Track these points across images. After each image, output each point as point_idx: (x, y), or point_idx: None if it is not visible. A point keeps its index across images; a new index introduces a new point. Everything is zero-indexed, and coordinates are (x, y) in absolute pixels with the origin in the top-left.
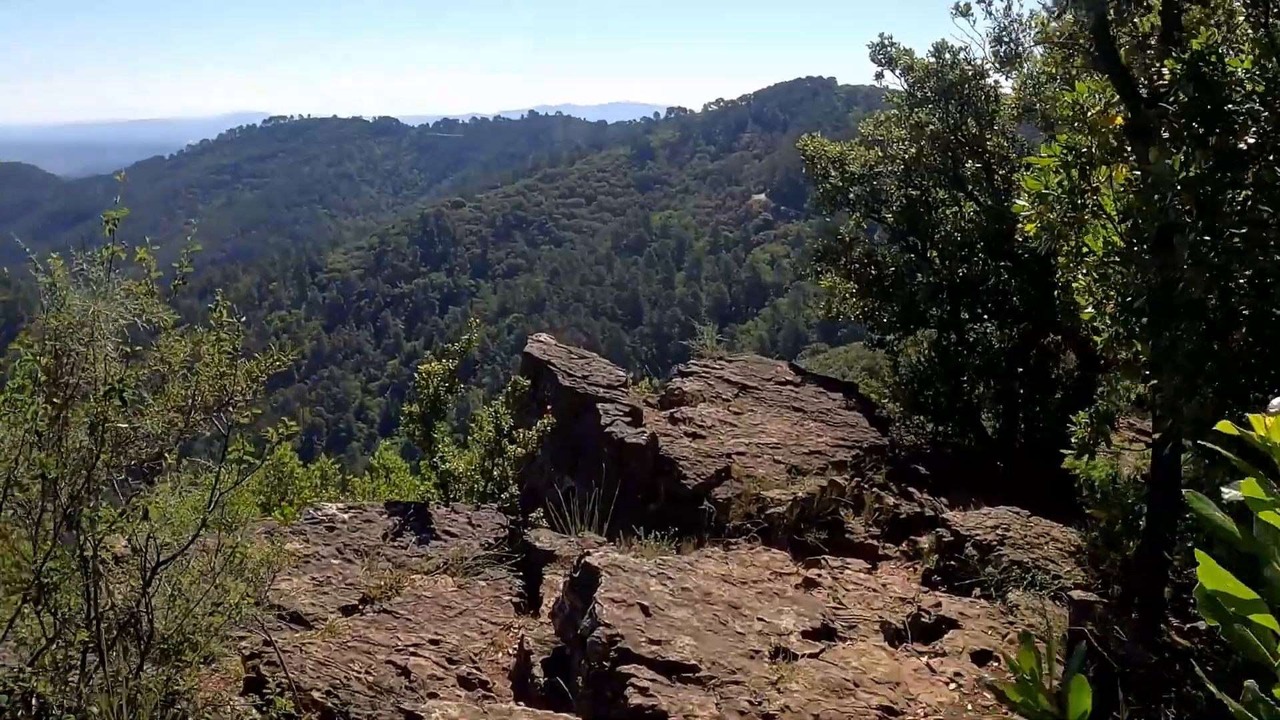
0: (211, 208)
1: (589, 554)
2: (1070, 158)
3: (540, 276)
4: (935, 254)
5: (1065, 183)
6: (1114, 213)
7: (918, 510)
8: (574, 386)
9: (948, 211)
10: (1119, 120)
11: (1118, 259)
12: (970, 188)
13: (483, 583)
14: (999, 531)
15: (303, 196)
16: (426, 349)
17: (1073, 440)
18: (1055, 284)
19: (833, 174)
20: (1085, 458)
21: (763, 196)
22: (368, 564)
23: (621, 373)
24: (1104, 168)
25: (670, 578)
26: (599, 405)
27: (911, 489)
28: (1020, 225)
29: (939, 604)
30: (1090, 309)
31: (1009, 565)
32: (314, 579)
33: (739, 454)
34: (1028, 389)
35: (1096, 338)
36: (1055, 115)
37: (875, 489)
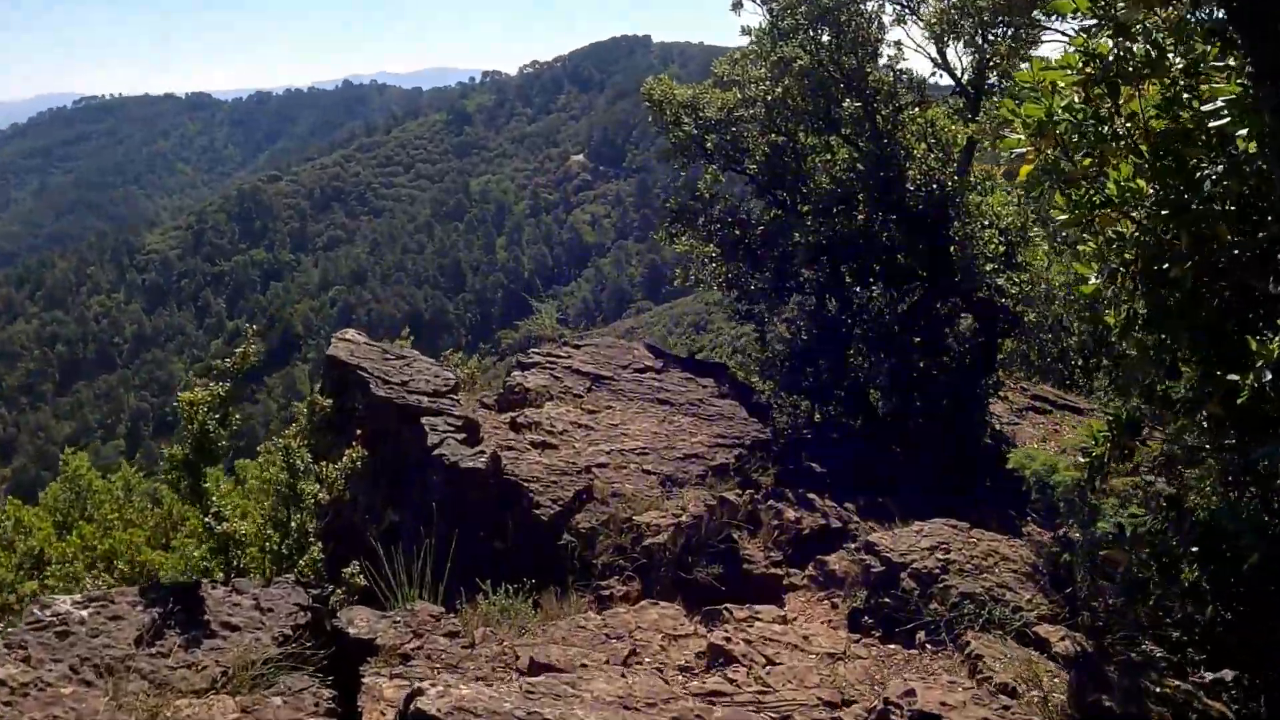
0: (25, 194)
1: (422, 690)
2: (1094, 68)
3: (361, 248)
4: (808, 209)
5: (1080, 108)
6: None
7: (822, 522)
8: (392, 397)
9: (819, 160)
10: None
11: (1159, 209)
12: (847, 131)
13: (278, 700)
14: (939, 555)
15: (118, 177)
16: (250, 324)
17: (1086, 456)
18: (951, 238)
19: (685, 121)
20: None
21: (581, 157)
22: (114, 688)
23: (450, 375)
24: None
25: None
26: (425, 420)
27: (811, 495)
28: (966, 174)
29: (910, 693)
30: (1095, 279)
31: (959, 600)
32: None
33: (600, 466)
34: (923, 360)
35: (1108, 318)
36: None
37: (771, 501)
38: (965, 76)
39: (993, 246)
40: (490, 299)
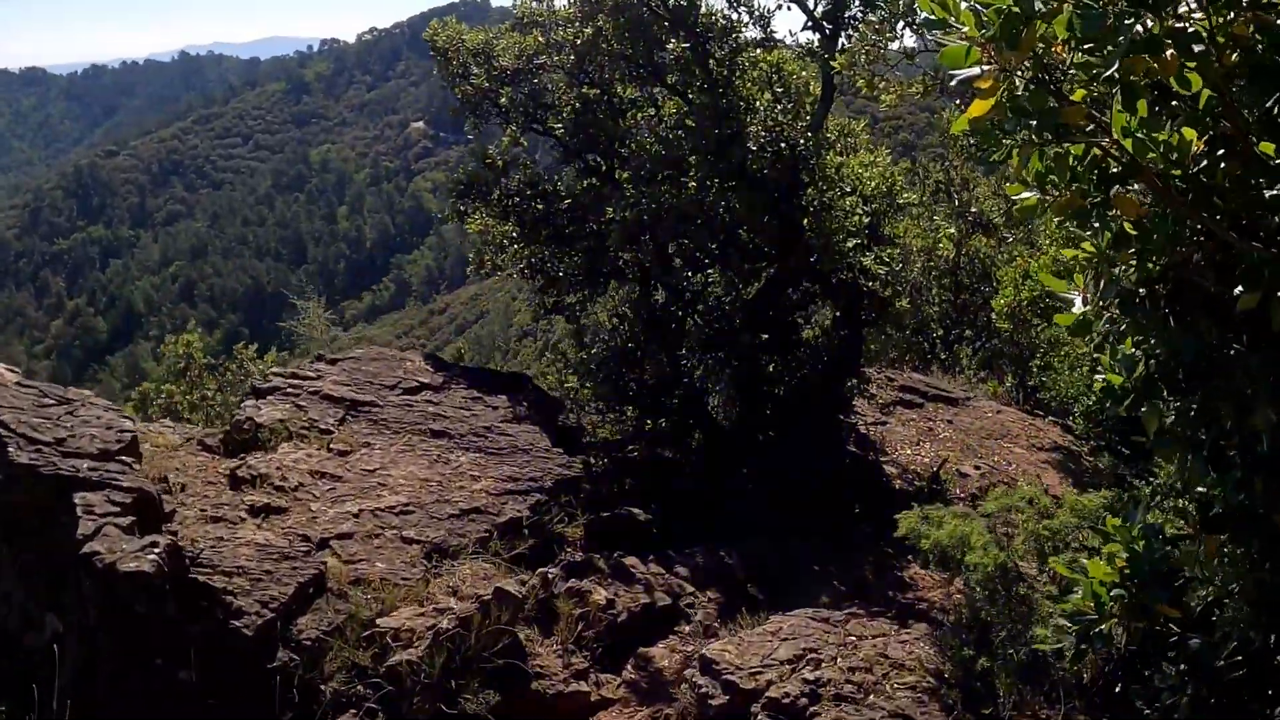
0: None
1: None
2: None
3: (201, 222)
4: (627, 177)
5: None
6: None
7: (644, 600)
8: (37, 463)
9: (641, 116)
10: None
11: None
12: (673, 79)
13: None
14: (805, 674)
15: None
16: (89, 305)
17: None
18: (805, 208)
19: (475, 72)
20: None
21: (421, 124)
22: None
23: (129, 424)
24: None
25: None
26: (79, 497)
27: (629, 561)
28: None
29: None
30: (1081, 305)
31: None
32: None
33: (343, 537)
34: (773, 359)
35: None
36: None
37: (573, 581)
38: (819, 6)
39: (855, 219)
40: (333, 270)
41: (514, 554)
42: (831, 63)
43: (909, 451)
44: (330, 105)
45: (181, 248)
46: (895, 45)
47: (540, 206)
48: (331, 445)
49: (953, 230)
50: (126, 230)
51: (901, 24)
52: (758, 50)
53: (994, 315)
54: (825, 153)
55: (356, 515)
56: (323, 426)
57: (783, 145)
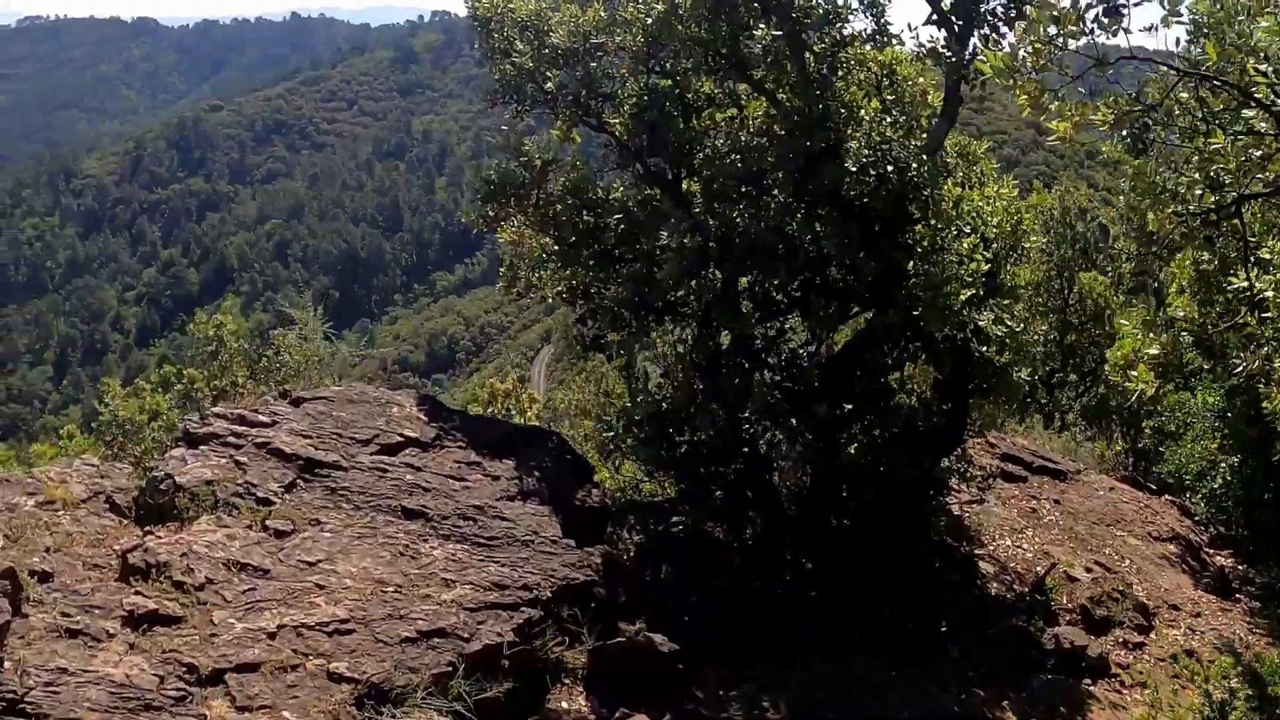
0: None
1: None
2: None
3: (300, 182)
4: (698, 189)
5: None
6: None
7: None
8: None
9: (721, 116)
10: None
11: None
12: (760, 74)
13: None
14: None
15: (58, 100)
16: (183, 257)
17: None
18: (912, 248)
19: (520, 48)
20: None
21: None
22: None
23: None
24: None
25: None
26: None
27: None
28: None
29: None
30: None
31: None
32: None
33: (245, 669)
34: (859, 431)
35: None
36: None
37: None
38: None
39: (974, 265)
40: (428, 240)
41: (482, 699)
42: (977, 64)
43: (1009, 542)
44: (437, 76)
45: (279, 207)
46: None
47: (587, 218)
48: (267, 522)
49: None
50: (225, 185)
51: (1098, 11)
52: (866, 46)
53: (1107, 367)
54: (943, 180)
55: (273, 635)
56: (262, 494)
57: (890, 167)
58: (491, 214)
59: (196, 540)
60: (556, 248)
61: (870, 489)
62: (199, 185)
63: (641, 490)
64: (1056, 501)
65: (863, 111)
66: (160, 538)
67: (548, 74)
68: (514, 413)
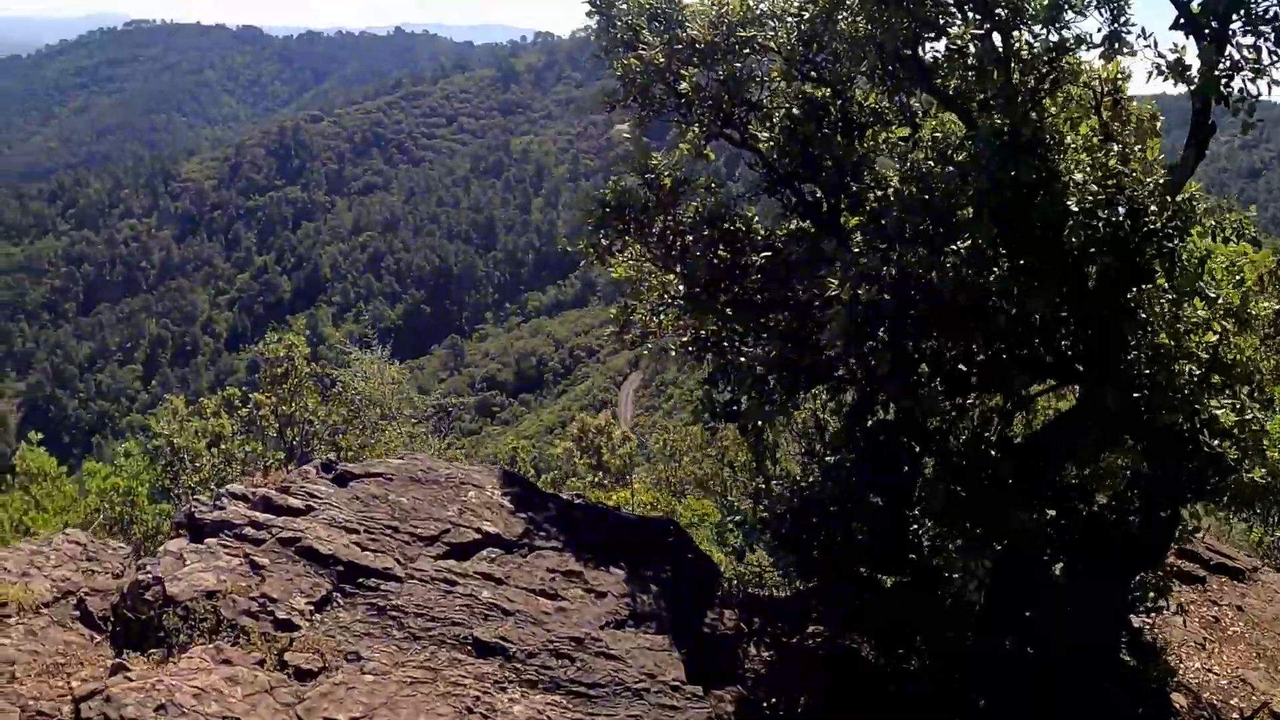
0: (68, 110)
1: None
2: None
3: (397, 196)
4: (858, 221)
5: None
6: None
7: None
8: None
9: (890, 136)
10: None
11: None
12: (949, 82)
13: None
14: None
15: (161, 104)
16: (277, 264)
17: None
18: (1134, 312)
19: (648, 39)
20: None
21: (625, 127)
22: None
23: None
24: None
25: None
26: None
27: None
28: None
29: None
30: None
31: None
32: None
33: None
34: (1054, 538)
35: None
36: None
37: None
38: None
39: (1205, 336)
40: (521, 260)
41: None
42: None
43: (1198, 664)
44: (536, 97)
45: (374, 219)
46: None
47: (724, 254)
48: (287, 657)
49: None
50: (322, 195)
51: None
52: (1085, 54)
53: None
54: (1190, 229)
55: None
56: (283, 614)
57: (1121, 210)
58: (605, 242)
59: (182, 684)
60: (684, 289)
61: (1050, 601)
62: (296, 194)
63: (765, 579)
64: (1238, 609)
65: (1069, 139)
66: (131, 680)
67: (681, 73)
68: (604, 451)
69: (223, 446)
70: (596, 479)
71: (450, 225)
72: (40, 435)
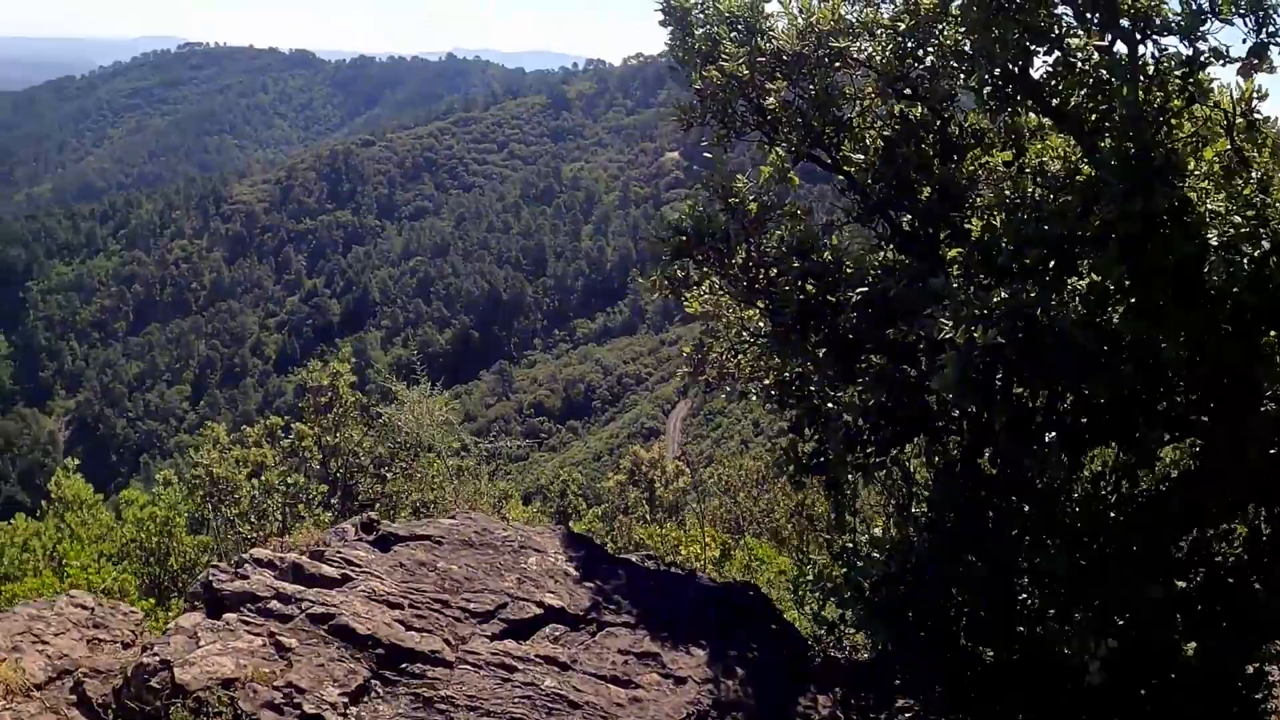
0: (121, 132)
1: None
2: None
3: (447, 221)
4: (961, 256)
5: None
6: None
7: None
8: None
9: (995, 161)
10: None
11: None
12: (1065, 103)
13: None
14: None
15: (213, 126)
16: (326, 287)
17: None
18: (1272, 354)
19: (729, 49)
20: None
21: (676, 155)
22: None
23: None
24: None
25: None
26: None
27: None
28: None
29: None
30: None
31: None
32: None
33: None
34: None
35: None
36: None
37: None
38: None
39: None
40: (570, 287)
41: None
42: None
43: None
44: (588, 124)
45: (424, 244)
46: None
47: (812, 289)
48: None
49: None
50: (372, 219)
51: None
52: (1213, 67)
53: None
54: None
55: None
56: (312, 707)
57: (1266, 244)
58: (681, 275)
59: None
60: (768, 326)
61: (1186, 689)
62: (346, 218)
63: (844, 638)
64: None
65: (1192, 164)
66: None
67: (767, 86)
68: (658, 484)
69: (264, 477)
70: (648, 513)
71: (500, 251)
72: (77, 461)
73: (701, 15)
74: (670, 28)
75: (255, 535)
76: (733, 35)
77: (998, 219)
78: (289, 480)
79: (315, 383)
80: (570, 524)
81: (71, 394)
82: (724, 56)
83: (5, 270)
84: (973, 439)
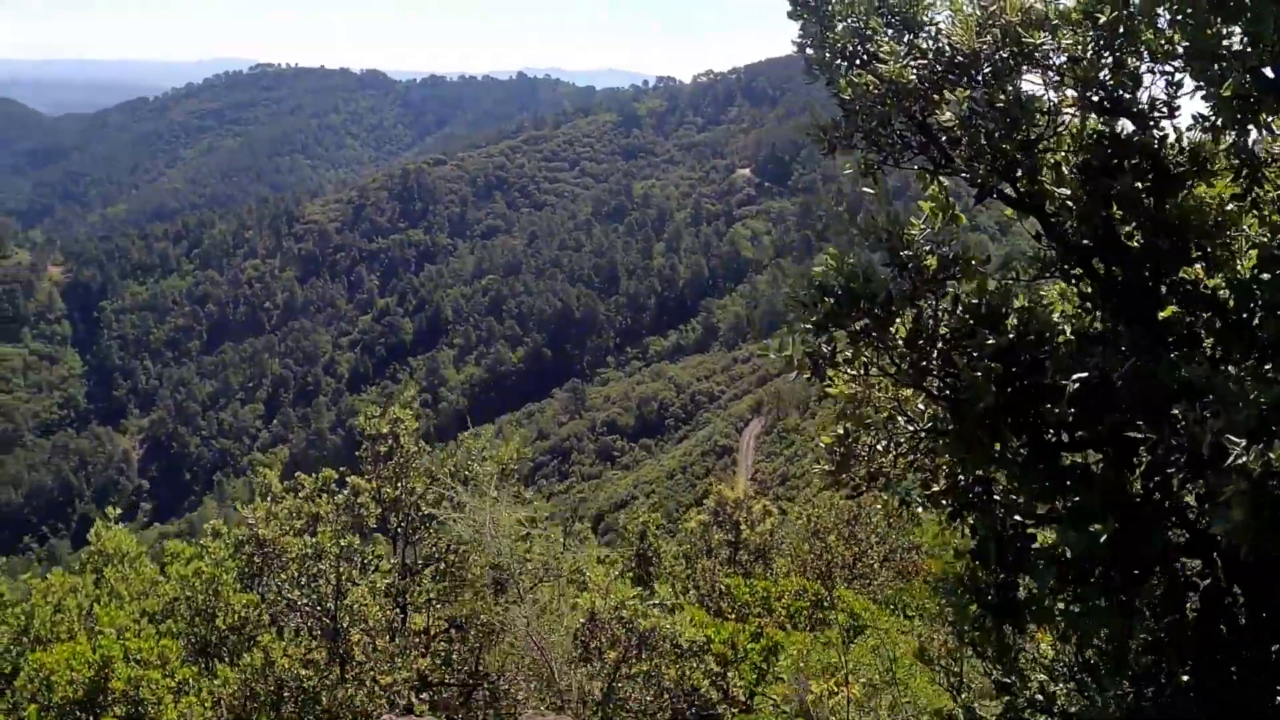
0: (193, 152)
1: None
2: None
3: (519, 239)
4: (1186, 325)
5: None
6: None
7: None
8: None
9: (1217, 194)
10: None
11: None
12: None
13: None
14: None
15: (285, 146)
16: (399, 306)
17: None
18: None
19: (885, 53)
20: None
21: (747, 171)
22: None
23: None
24: None
25: None
26: None
27: None
28: None
29: None
30: None
31: None
32: None
33: None
34: None
35: None
36: None
37: None
38: None
39: None
40: (643, 304)
41: None
42: None
43: None
44: (659, 142)
45: (496, 262)
46: None
47: (997, 368)
48: None
49: None
50: (444, 238)
51: None
52: None
53: None
54: None
55: None
56: None
57: None
58: (827, 349)
59: None
60: (947, 416)
61: None
62: (418, 236)
63: None
64: None
65: None
66: None
67: (937, 96)
68: (744, 525)
69: (317, 537)
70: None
71: (572, 268)
72: (119, 511)
73: (842, 4)
74: (802, 20)
75: (307, 601)
76: (890, 28)
77: (1245, 278)
78: (342, 542)
79: (374, 430)
80: (651, 568)
81: (145, 413)
82: (880, 62)
83: (80, 290)
84: (1219, 587)
